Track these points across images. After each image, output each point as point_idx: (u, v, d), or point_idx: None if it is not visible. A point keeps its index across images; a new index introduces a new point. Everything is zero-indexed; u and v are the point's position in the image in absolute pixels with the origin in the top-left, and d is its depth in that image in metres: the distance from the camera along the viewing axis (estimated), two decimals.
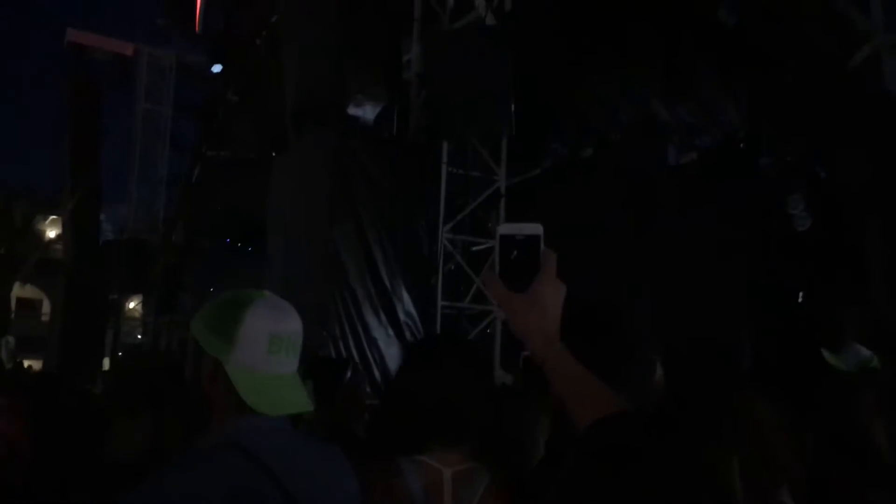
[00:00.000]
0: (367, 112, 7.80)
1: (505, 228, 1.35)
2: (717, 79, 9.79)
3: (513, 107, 7.48)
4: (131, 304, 24.18)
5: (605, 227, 9.87)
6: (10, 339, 13.08)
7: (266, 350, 1.57)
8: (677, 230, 9.53)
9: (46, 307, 32.90)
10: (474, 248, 8.79)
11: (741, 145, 10.18)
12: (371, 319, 7.39)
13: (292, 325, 1.65)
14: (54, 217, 31.66)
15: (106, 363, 18.81)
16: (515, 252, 1.32)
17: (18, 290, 30.64)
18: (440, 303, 8.15)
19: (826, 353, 2.66)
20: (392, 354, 7.30)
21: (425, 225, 7.98)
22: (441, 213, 8.25)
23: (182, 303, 20.22)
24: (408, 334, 7.56)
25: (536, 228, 1.34)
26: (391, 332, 7.44)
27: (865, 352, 2.65)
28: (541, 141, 10.73)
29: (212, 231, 20.86)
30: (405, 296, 7.58)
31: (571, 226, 9.82)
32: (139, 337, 22.28)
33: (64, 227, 24.20)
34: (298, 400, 1.61)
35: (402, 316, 7.57)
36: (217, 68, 18.56)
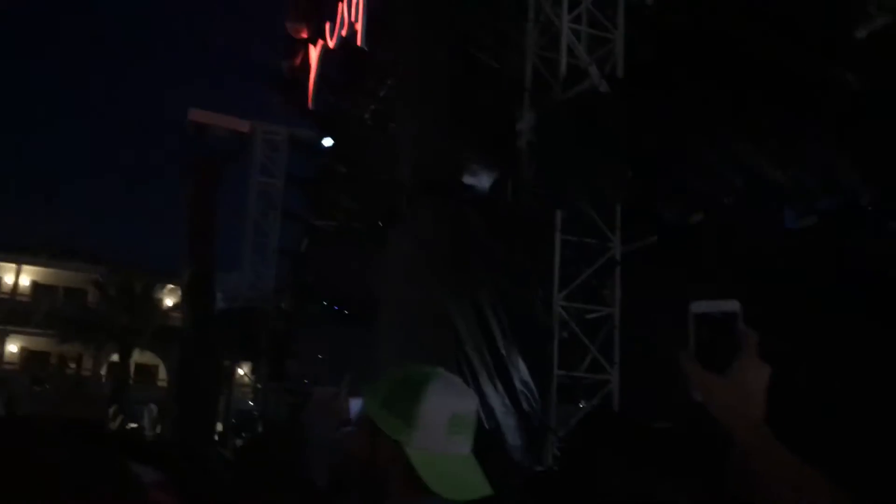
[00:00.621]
0: (482, 181, 7.91)
1: (698, 306, 1.30)
2: (837, 140, 9.49)
3: (629, 174, 7.44)
4: (241, 371, 24.83)
5: (726, 294, 9.58)
6: (153, 406, 13.52)
7: (446, 430, 1.55)
8: (798, 294, 9.17)
9: (163, 373, 34.26)
10: (589, 316, 8.65)
11: (868, 207, 9.77)
12: (487, 388, 7.34)
13: (471, 403, 1.63)
14: (171, 286, 33.20)
15: (219, 427, 19.30)
16: (711, 331, 1.27)
17: (137, 357, 32.06)
18: (556, 371, 8.03)
19: None
20: (509, 424, 7.21)
21: (540, 293, 7.94)
22: (555, 280, 8.19)
23: (290, 369, 20.64)
24: (524, 404, 7.46)
25: (733, 305, 1.29)
26: (507, 401, 7.37)
27: None
28: (652, 208, 10.58)
29: (320, 299, 21.33)
30: (521, 364, 7.51)
31: (689, 293, 9.59)
32: (250, 403, 22.81)
33: (182, 296, 25.31)
34: (478, 482, 1.57)
35: (518, 385, 7.50)
36: (327, 142, 19.24)
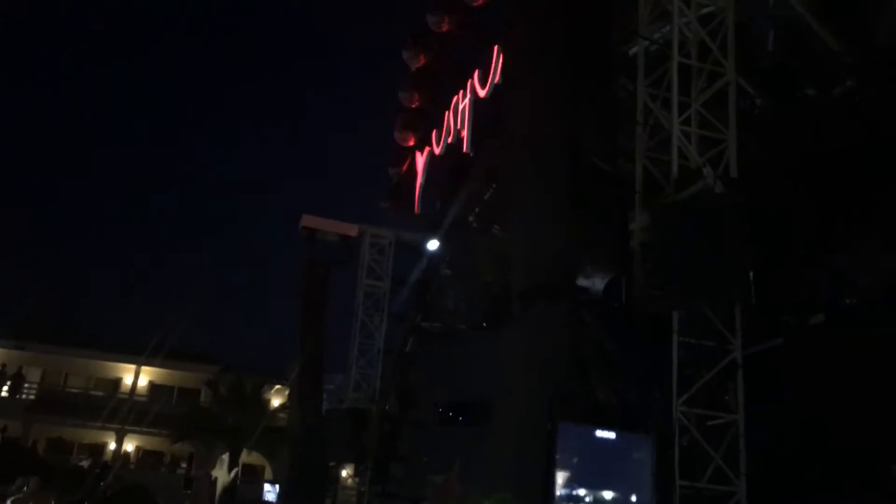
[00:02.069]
0: (596, 283, 7.86)
1: None
2: None
3: (750, 275, 7.26)
4: (344, 473, 24.79)
5: (854, 399, 9.07)
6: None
7: None
8: None
9: (268, 473, 34.58)
10: (710, 423, 8.31)
11: None
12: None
13: None
14: (279, 387, 33.91)
15: None
16: None
17: (244, 457, 32.55)
18: (678, 482, 7.69)
19: None
20: None
21: (660, 398, 7.71)
22: (674, 384, 7.95)
23: (394, 472, 20.46)
24: None
25: None
26: None
27: None
28: (773, 310, 10.24)
29: (425, 401, 21.27)
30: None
31: (820, 398, 9.13)
32: None
33: (290, 396, 25.78)
34: None
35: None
36: (432, 245, 19.58)
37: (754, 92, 10.31)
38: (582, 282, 7.85)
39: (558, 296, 7.65)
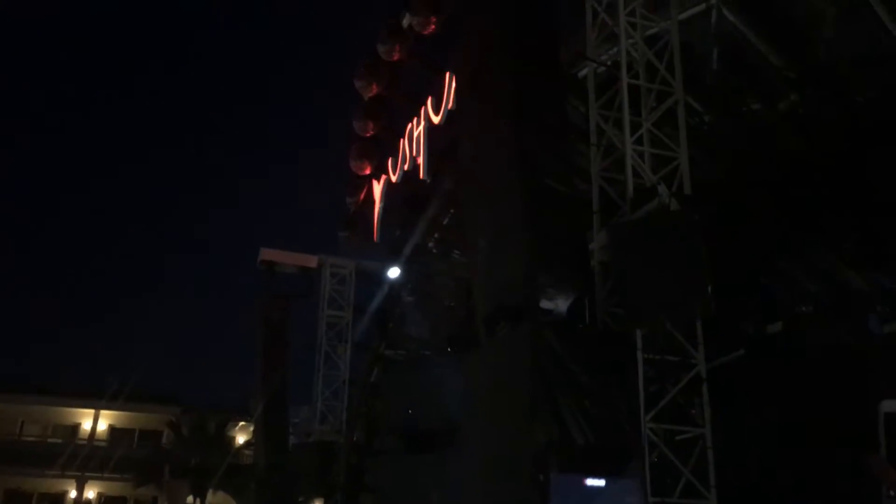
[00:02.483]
0: (559, 304, 7.91)
1: (889, 405, 1.26)
2: None
3: (708, 288, 7.37)
4: None
5: (816, 403, 9.23)
6: None
7: None
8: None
9: None
10: (679, 437, 8.37)
11: None
12: None
13: None
14: (243, 423, 33.35)
15: None
16: None
17: (210, 497, 31.90)
18: (649, 498, 7.71)
19: None
20: None
21: (626, 414, 7.75)
22: (641, 401, 8.00)
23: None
24: None
25: None
26: None
27: None
28: (732, 322, 10.40)
29: (392, 430, 21.08)
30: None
31: (784, 405, 9.27)
32: None
33: (255, 432, 25.36)
34: None
35: None
36: (393, 273, 19.52)
37: (702, 109, 10.54)
38: (545, 303, 7.89)
39: (522, 318, 7.67)
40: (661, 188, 8.56)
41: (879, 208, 8.94)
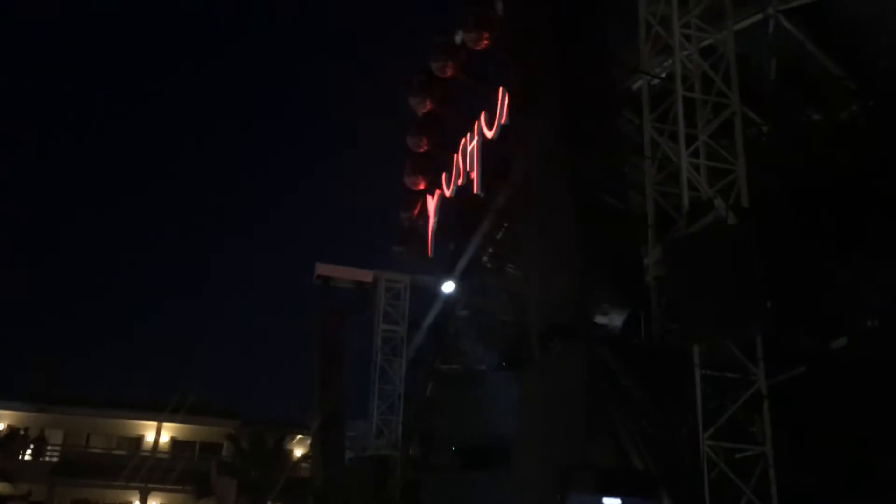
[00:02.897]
0: (613, 320, 7.84)
1: None
2: None
3: (768, 304, 7.22)
4: None
5: (883, 421, 8.94)
6: None
7: None
8: None
9: None
10: (738, 455, 8.19)
11: None
12: None
13: None
14: (301, 437, 33.69)
15: None
16: None
17: None
18: None
19: None
20: None
21: (685, 433, 7.62)
22: (699, 419, 7.86)
23: None
24: None
25: None
26: None
27: None
28: (793, 337, 10.15)
29: (447, 445, 21.08)
30: None
31: (848, 423, 9.00)
32: None
33: (312, 446, 25.60)
34: None
35: None
36: (447, 287, 19.58)
37: (760, 120, 10.36)
38: (599, 319, 7.82)
39: (576, 334, 7.62)
40: (718, 201, 8.43)
41: None
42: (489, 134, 16.17)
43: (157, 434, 40.20)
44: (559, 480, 6.72)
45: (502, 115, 15.51)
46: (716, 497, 7.87)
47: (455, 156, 17.83)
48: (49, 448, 39.24)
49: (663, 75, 9.91)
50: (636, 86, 10.44)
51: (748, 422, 8.32)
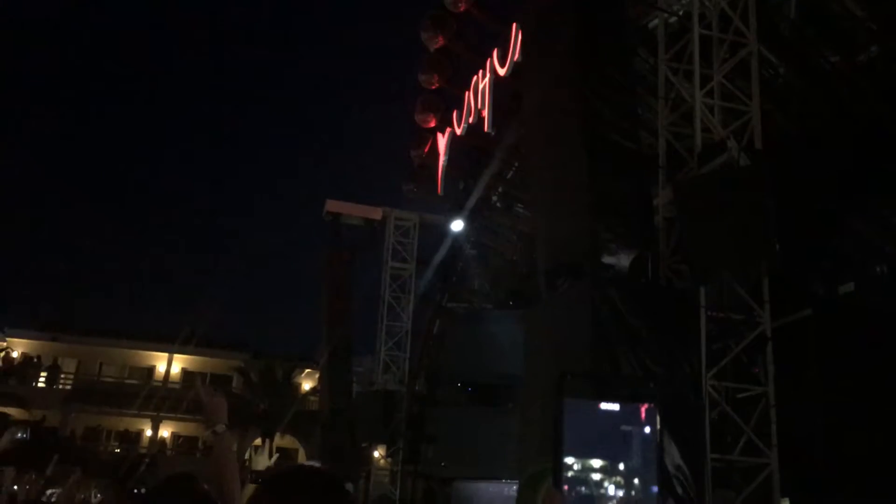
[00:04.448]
0: (621, 260, 7.85)
1: None
2: None
3: (776, 247, 7.21)
4: (376, 453, 25.06)
5: (886, 366, 9.01)
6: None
7: None
8: None
9: (302, 456, 35.04)
10: (741, 395, 8.30)
11: None
12: None
13: None
14: (309, 370, 34.25)
15: None
16: None
17: (277, 440, 32.99)
18: (709, 455, 7.70)
19: None
20: None
21: (689, 373, 7.70)
22: (703, 359, 7.94)
23: (425, 452, 20.58)
24: (678, 489, 7.17)
25: None
26: (662, 486, 7.09)
27: None
28: (800, 280, 10.17)
29: (453, 381, 21.34)
30: (673, 448, 7.25)
31: (852, 366, 9.08)
32: (389, 486, 22.92)
33: (320, 380, 26.04)
34: None
35: (671, 469, 7.22)
36: (456, 226, 19.59)
37: (777, 61, 10.19)
38: (607, 259, 7.84)
39: (583, 274, 7.64)
40: (731, 143, 8.35)
41: None
42: (501, 71, 15.96)
43: (169, 365, 40.90)
44: (555, 388, 6.81)
45: (515, 53, 15.28)
46: (717, 435, 8.00)
47: (467, 93, 17.64)
48: (62, 376, 40.03)
49: (680, 13, 9.73)
50: (652, 24, 10.26)
51: (751, 363, 8.40)
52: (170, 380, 40.73)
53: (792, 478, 8.17)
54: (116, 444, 38.44)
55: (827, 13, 9.75)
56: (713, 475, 7.69)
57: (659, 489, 2.34)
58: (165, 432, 39.86)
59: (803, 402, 8.59)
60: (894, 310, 9.95)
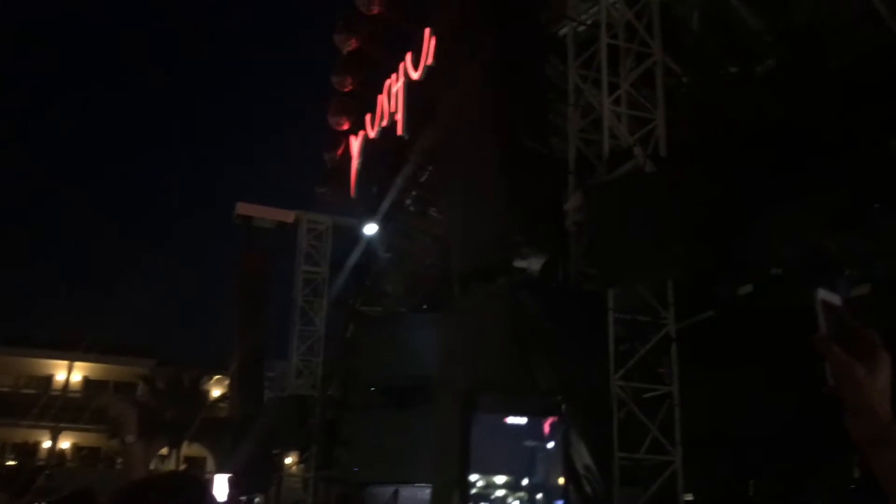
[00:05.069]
0: (532, 264, 7.98)
1: (824, 294, 1.28)
2: (889, 208, 9.44)
3: (682, 251, 7.46)
4: (288, 460, 24.71)
5: (782, 364, 9.44)
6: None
7: None
8: None
9: (211, 465, 34.22)
10: (647, 395, 8.54)
11: None
12: None
13: None
14: (219, 377, 33.46)
15: None
16: (835, 319, 1.26)
17: (185, 449, 32.12)
18: (617, 453, 7.89)
19: None
20: None
21: (597, 373, 7.88)
22: (611, 360, 8.14)
23: (339, 457, 20.41)
24: (587, 488, 7.33)
25: (837, 298, 1.29)
26: (571, 486, 7.25)
27: None
28: (703, 283, 10.54)
29: (367, 385, 21.24)
30: (583, 449, 7.41)
31: (751, 365, 9.46)
32: (301, 493, 22.61)
33: (230, 386, 25.48)
34: None
35: (580, 469, 7.37)
36: (370, 229, 19.51)
37: (681, 71, 10.55)
38: (519, 263, 7.95)
39: (496, 277, 7.73)
40: (637, 149, 8.60)
41: (852, 173, 9.05)
42: (415, 75, 15.98)
43: (69, 373, 39.26)
44: (464, 403, 6.87)
45: (429, 56, 15.33)
46: (624, 435, 8.21)
47: (380, 96, 17.59)
48: None
49: (589, 22, 9.96)
50: (562, 32, 10.47)
51: (657, 363, 8.67)
52: (70, 388, 39.10)
53: (695, 474, 8.46)
54: (12, 456, 36.65)
55: (728, 25, 10.16)
56: (621, 473, 7.90)
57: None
58: (66, 443, 38.24)
59: (706, 401, 8.90)
60: (789, 309, 10.42)
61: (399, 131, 16.69)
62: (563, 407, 7.25)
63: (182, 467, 29.52)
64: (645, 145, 8.97)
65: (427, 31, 15.32)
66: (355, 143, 18.99)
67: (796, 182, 9.77)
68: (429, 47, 15.25)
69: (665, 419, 8.38)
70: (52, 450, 37.11)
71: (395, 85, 16.85)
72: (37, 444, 37.75)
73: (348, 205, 20.63)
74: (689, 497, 8.78)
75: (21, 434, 37.45)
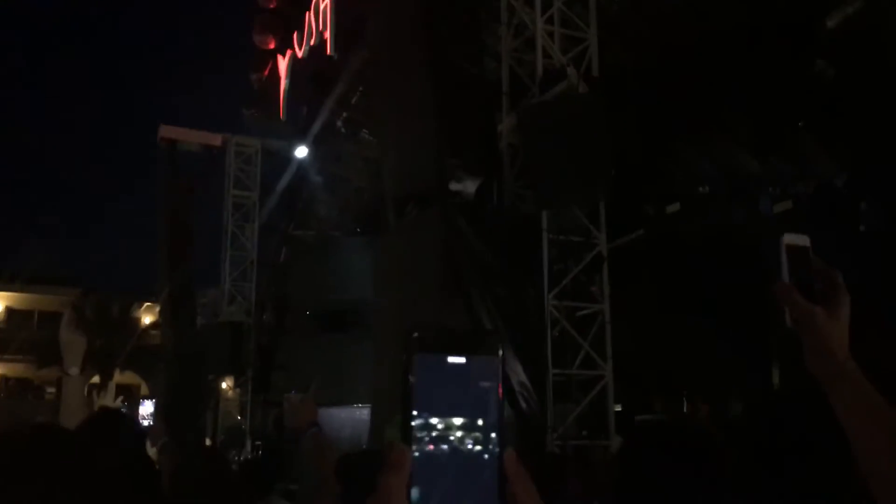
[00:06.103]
0: (467, 187, 7.97)
1: (789, 238, 1.29)
2: (812, 128, 9.70)
3: (612, 172, 7.55)
4: (224, 385, 24.71)
5: (709, 279, 9.77)
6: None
7: None
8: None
9: (145, 391, 34.00)
10: (580, 314, 8.76)
11: (841, 191, 10.00)
12: None
13: None
14: (149, 304, 32.90)
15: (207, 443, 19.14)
16: (800, 263, 1.28)
17: (117, 377, 31.75)
18: (551, 370, 8.12)
19: None
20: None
21: (532, 294, 8.02)
22: (545, 280, 8.29)
23: (276, 382, 20.53)
24: (523, 405, 7.53)
25: (805, 240, 1.31)
26: (507, 402, 7.43)
27: None
28: (633, 203, 10.74)
29: (301, 309, 21.25)
30: (518, 367, 7.58)
31: (679, 282, 9.77)
32: (238, 417, 22.69)
33: (161, 313, 25.07)
34: None
35: (515, 386, 7.56)
36: (300, 152, 19.18)
37: None
38: (453, 185, 7.93)
39: (431, 201, 7.70)
40: (571, 70, 8.57)
41: (776, 94, 9.22)
42: None
43: None
44: (403, 343, 6.91)
45: None
46: (558, 352, 8.44)
47: (307, 14, 17.02)
48: None
49: None
50: None
51: (589, 282, 8.87)
52: None
53: (623, 386, 8.80)
54: None
55: None
56: (554, 389, 8.15)
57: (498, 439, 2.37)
58: None
59: (637, 317, 9.19)
60: (714, 227, 10.75)
61: (328, 51, 16.25)
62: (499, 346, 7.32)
63: (119, 399, 29.26)
64: (578, 66, 8.94)
65: None
66: (283, 63, 18.45)
67: (722, 103, 9.93)
68: None
69: (596, 336, 8.64)
70: None
71: (323, 2, 16.32)
72: None
73: (278, 127, 20.16)
74: (618, 408, 9.14)
75: None
